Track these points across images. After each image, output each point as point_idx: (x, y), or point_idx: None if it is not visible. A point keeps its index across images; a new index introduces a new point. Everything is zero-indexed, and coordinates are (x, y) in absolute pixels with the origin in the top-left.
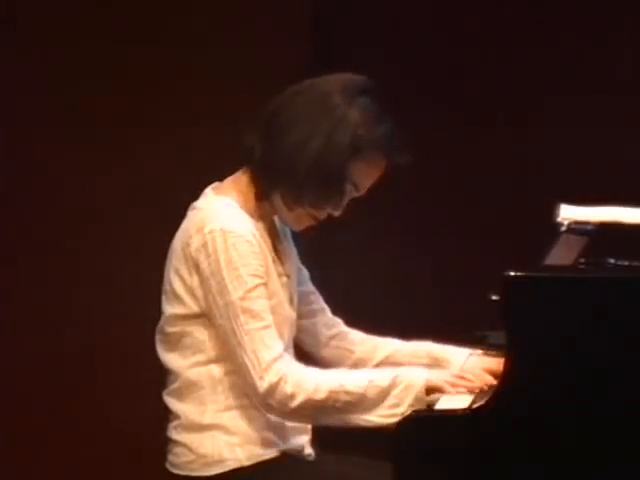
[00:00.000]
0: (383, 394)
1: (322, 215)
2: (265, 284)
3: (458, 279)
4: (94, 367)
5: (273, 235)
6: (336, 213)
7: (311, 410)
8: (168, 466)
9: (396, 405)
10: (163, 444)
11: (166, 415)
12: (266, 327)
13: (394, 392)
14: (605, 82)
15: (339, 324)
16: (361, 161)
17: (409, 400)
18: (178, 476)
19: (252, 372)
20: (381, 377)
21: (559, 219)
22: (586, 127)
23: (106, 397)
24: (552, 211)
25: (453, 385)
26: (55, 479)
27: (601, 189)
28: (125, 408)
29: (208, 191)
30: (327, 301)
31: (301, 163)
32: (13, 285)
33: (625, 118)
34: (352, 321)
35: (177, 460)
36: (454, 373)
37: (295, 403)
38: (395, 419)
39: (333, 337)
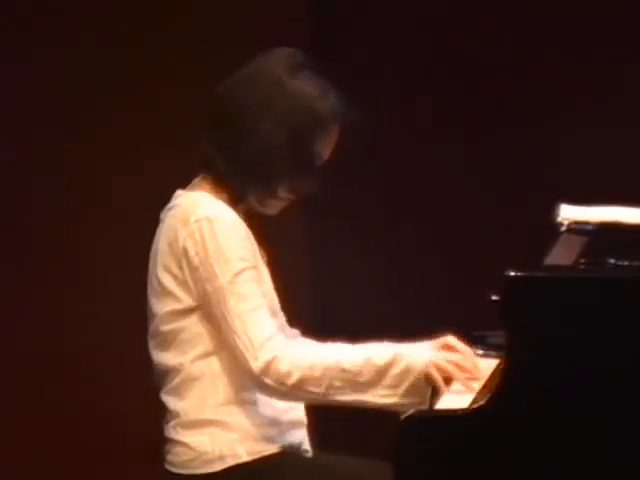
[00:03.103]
0: (380, 373)
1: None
2: (255, 268)
3: (458, 279)
4: (93, 367)
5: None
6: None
7: (308, 388)
8: (167, 466)
9: (394, 386)
10: (161, 444)
11: (163, 415)
12: (257, 308)
13: (393, 371)
14: (604, 82)
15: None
16: (324, 136)
17: (408, 382)
18: (179, 475)
19: (246, 354)
20: (380, 354)
21: (559, 219)
22: (586, 127)
23: (105, 397)
24: (552, 211)
25: (460, 368)
26: (54, 478)
27: (601, 189)
28: (123, 409)
29: (178, 192)
30: (325, 299)
31: (270, 162)
32: (13, 284)
33: (625, 118)
34: (351, 320)
35: (177, 459)
36: (449, 358)
37: (291, 381)
38: (395, 399)
39: None
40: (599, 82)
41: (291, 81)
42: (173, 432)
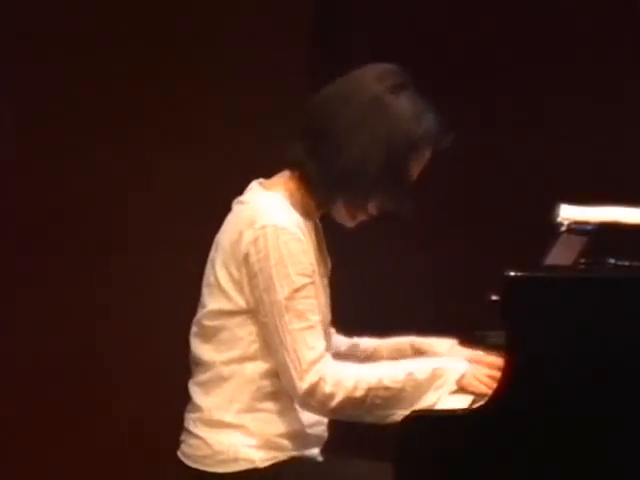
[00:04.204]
0: (423, 388)
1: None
2: (313, 283)
3: (458, 279)
4: (93, 367)
5: (317, 235)
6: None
7: (350, 408)
8: (180, 455)
9: (435, 398)
10: (175, 433)
11: (180, 407)
12: (310, 327)
13: (435, 384)
14: (604, 82)
15: (334, 333)
16: (417, 157)
17: (447, 394)
18: (190, 468)
19: (293, 372)
20: (420, 370)
21: (559, 219)
22: (586, 127)
23: (116, 391)
24: (552, 211)
25: (488, 386)
26: (61, 474)
27: (601, 189)
28: (123, 409)
29: (254, 185)
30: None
31: (366, 176)
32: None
33: (625, 118)
34: (352, 320)
35: (191, 452)
36: (486, 372)
37: (334, 402)
38: None
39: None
40: (599, 82)
41: (390, 100)
42: (192, 425)
